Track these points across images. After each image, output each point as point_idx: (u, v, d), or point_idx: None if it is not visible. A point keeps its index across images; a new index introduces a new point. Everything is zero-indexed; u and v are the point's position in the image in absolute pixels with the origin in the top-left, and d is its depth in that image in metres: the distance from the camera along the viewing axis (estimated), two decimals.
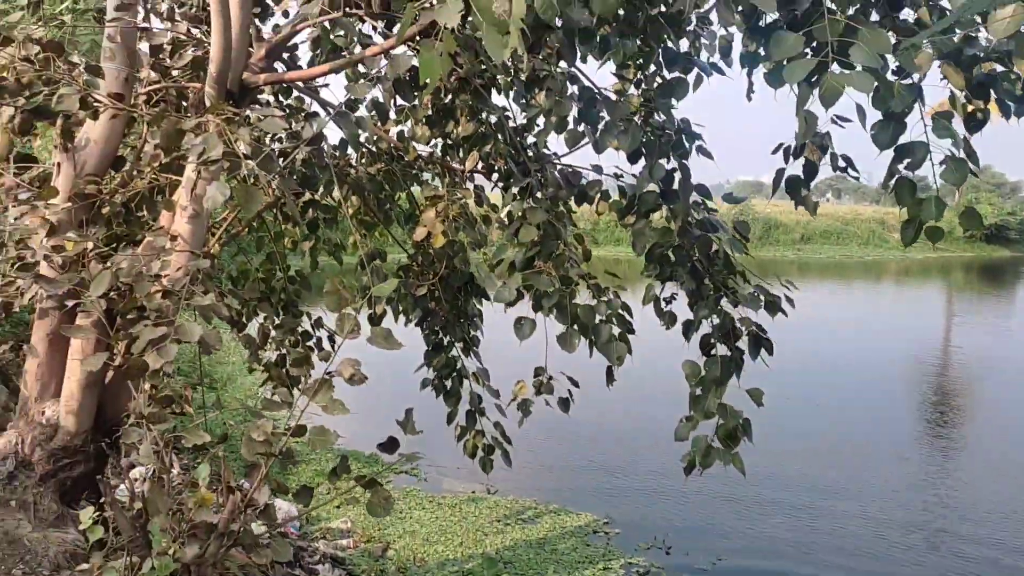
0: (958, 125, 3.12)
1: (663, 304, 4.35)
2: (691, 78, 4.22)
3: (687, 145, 4.21)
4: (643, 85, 4.59)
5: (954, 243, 52.56)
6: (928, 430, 12.86)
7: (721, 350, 4.25)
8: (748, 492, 8.96)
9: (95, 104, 3.95)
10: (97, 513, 3.50)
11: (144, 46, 4.58)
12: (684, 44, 4.35)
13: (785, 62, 2.76)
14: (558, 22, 3.78)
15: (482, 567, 6.67)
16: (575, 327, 3.89)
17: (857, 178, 4.08)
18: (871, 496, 9.36)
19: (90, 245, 3.96)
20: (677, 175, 4.07)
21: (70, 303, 3.95)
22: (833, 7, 3.07)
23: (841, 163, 3.85)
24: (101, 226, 4.26)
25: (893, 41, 2.94)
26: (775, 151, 3.80)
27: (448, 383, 5.62)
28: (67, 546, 4.05)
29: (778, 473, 9.66)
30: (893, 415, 13.37)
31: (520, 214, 4.15)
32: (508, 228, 4.31)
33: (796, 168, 3.80)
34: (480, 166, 5.15)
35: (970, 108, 3.23)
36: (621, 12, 3.77)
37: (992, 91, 3.13)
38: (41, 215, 3.99)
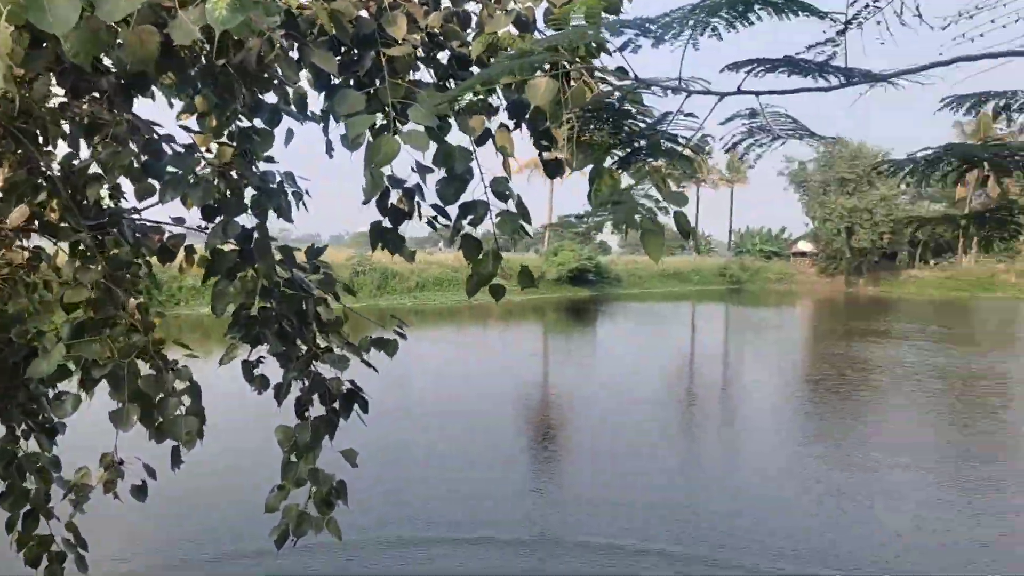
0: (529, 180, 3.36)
1: (252, 368, 4.09)
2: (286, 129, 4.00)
3: (275, 200, 3.99)
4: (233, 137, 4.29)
5: (546, 285, 60.39)
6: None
7: (315, 412, 4.09)
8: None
9: None
10: None
11: None
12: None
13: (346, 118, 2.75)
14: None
15: None
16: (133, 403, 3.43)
17: (448, 226, 4.07)
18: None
19: None
20: (256, 233, 3.85)
21: None
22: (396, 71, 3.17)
23: (431, 212, 3.79)
24: None
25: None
26: (365, 202, 3.72)
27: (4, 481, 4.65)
28: None
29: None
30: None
31: (72, 274, 3.62)
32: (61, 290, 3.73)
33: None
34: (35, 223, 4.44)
35: (547, 156, 3.46)
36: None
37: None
38: None
